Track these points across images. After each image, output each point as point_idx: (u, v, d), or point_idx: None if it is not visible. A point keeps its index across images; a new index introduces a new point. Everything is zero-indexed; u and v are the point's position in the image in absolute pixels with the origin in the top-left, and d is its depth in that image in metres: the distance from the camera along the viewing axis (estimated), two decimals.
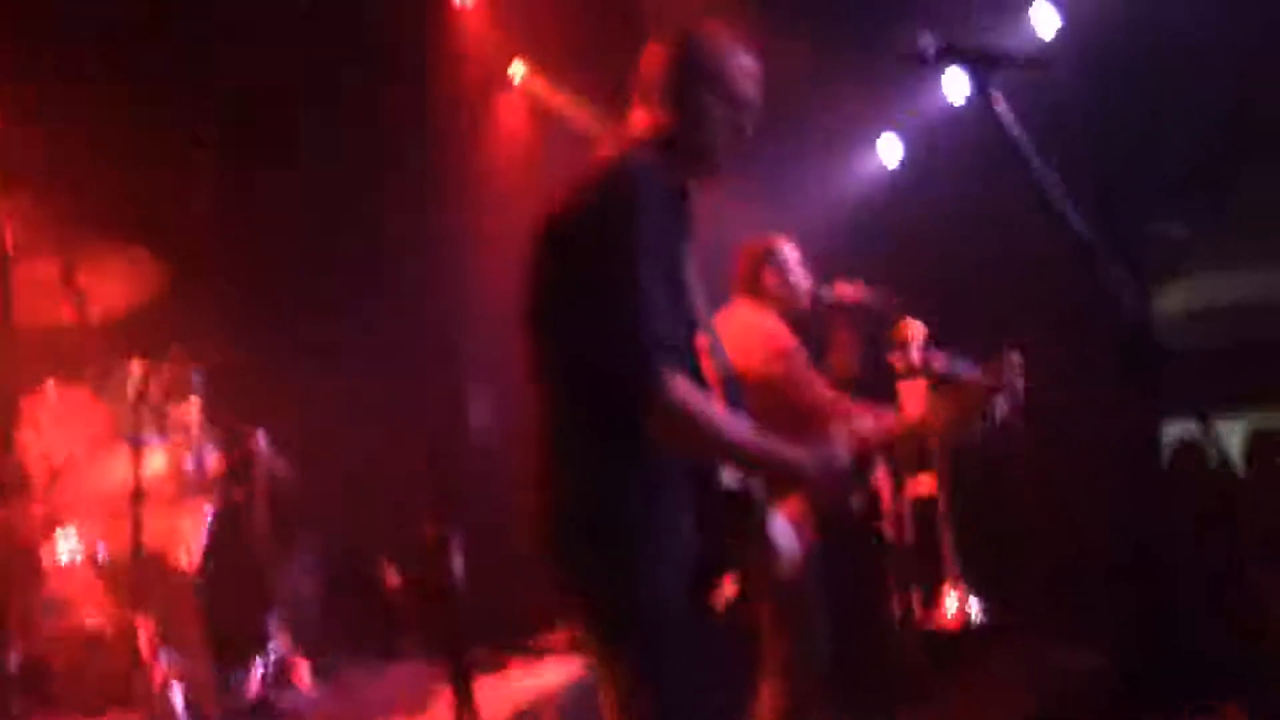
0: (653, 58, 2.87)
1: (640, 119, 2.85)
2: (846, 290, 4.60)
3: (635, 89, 2.88)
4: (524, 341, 2.70)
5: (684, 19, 2.97)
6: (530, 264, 2.70)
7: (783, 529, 2.77)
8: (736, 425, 2.67)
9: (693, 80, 2.82)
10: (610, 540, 2.57)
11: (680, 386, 2.51)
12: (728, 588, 2.77)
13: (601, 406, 2.56)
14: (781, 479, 2.77)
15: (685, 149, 2.81)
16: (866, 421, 4.13)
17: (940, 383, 4.17)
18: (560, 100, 7.54)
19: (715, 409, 2.64)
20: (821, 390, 4.56)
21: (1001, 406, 2.83)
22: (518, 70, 7.65)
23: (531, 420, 2.68)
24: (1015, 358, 2.96)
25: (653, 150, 2.77)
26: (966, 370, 4.45)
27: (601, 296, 2.56)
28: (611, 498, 2.57)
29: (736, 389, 2.84)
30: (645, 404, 2.49)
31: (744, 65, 2.87)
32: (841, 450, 2.70)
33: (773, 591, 4.04)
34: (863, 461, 2.80)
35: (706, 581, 2.69)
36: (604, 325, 2.54)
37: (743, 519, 2.72)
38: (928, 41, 2.53)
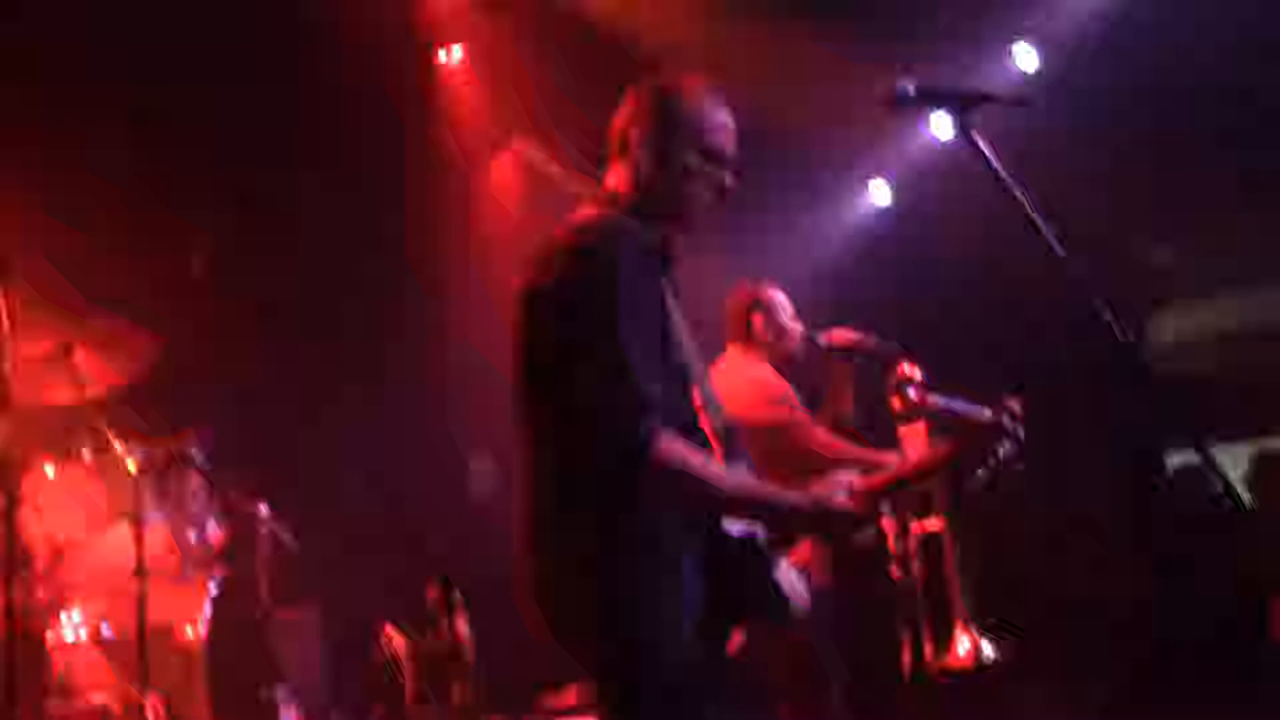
0: (626, 112, 2.83)
1: (617, 176, 2.82)
2: (841, 335, 4.61)
3: (610, 144, 2.84)
4: (514, 404, 2.69)
5: (670, 70, 2.94)
6: (514, 329, 2.69)
7: (789, 576, 2.74)
8: (731, 477, 2.64)
9: (667, 135, 2.77)
10: (609, 601, 2.53)
11: (668, 446, 2.49)
12: (737, 639, 2.74)
13: (592, 466, 2.53)
14: (784, 525, 2.73)
15: (663, 204, 2.77)
16: (870, 463, 4.12)
17: (940, 423, 4.17)
18: (551, 158, 7.58)
19: (707, 463, 2.60)
20: (822, 434, 4.56)
21: (1006, 448, 2.81)
22: (509, 130, 7.70)
23: (519, 482, 2.66)
24: (1015, 404, 2.95)
25: (630, 208, 2.75)
26: (965, 409, 4.45)
27: (585, 360, 2.53)
28: (606, 557, 2.53)
29: (735, 440, 2.81)
30: (635, 465, 2.47)
31: (719, 119, 2.81)
32: (841, 492, 2.67)
33: (782, 640, 4.02)
34: (869, 503, 2.77)
35: (715, 634, 2.66)
36: (589, 389, 2.52)
37: (748, 567, 2.68)
38: (906, 85, 2.56)
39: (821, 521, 2.68)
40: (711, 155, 2.78)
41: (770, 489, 2.67)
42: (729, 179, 2.81)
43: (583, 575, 2.55)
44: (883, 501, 2.71)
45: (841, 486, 2.68)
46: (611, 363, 2.50)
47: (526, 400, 2.66)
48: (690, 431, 2.63)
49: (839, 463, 4.09)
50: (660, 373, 2.56)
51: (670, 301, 2.70)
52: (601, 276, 2.57)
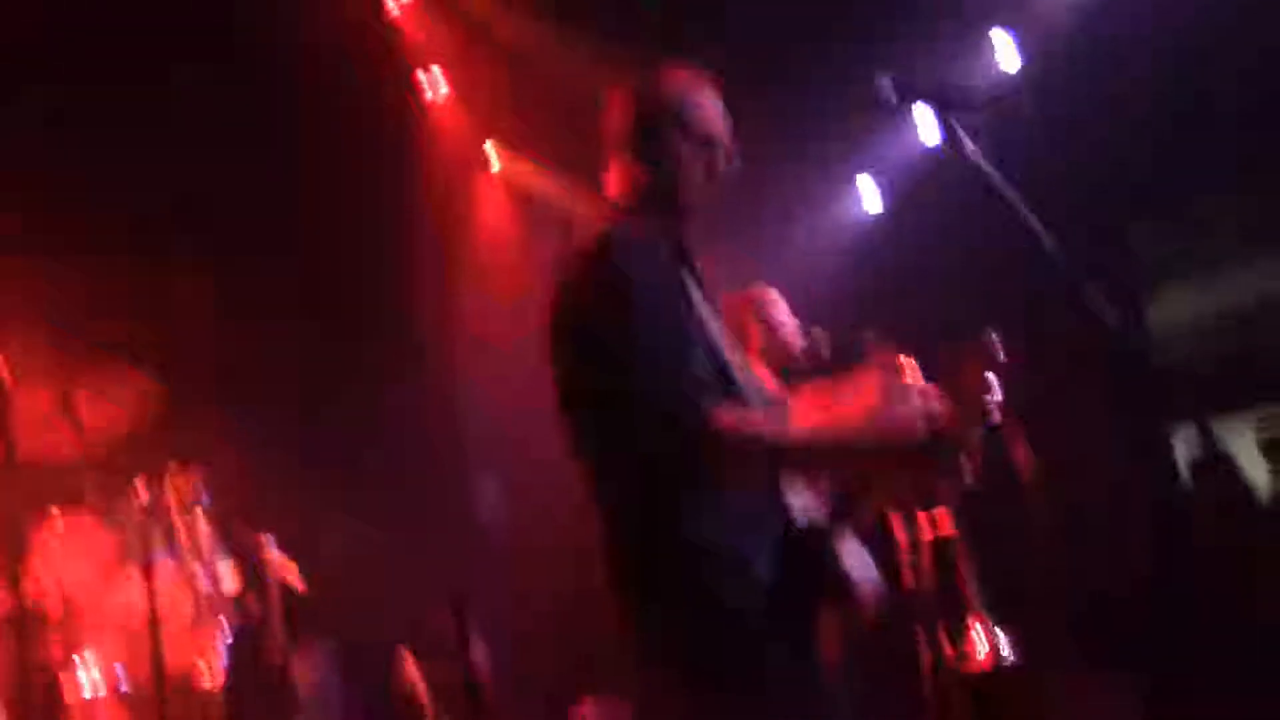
0: (610, 114, 2.79)
1: (614, 179, 2.77)
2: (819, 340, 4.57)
3: (605, 147, 2.80)
4: (563, 428, 2.62)
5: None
6: (547, 359, 2.64)
7: (858, 557, 2.67)
8: (795, 421, 2.50)
9: (656, 126, 2.72)
10: (687, 610, 2.48)
11: (725, 414, 2.41)
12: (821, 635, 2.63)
13: (650, 478, 2.48)
14: (888, 460, 2.52)
15: (661, 199, 2.72)
16: None
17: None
18: (539, 181, 7.60)
19: (771, 418, 2.51)
20: None
21: (993, 401, 2.69)
22: (493, 156, 7.72)
23: (594, 518, 2.60)
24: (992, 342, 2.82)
25: (634, 210, 2.71)
26: None
27: (621, 378, 2.47)
28: (688, 584, 2.48)
29: None
30: (702, 444, 2.40)
31: (707, 102, 2.77)
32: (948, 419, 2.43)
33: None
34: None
35: (798, 632, 2.56)
36: (632, 404, 2.45)
37: (814, 559, 2.58)
38: (887, 85, 2.55)
39: (921, 454, 2.44)
40: (701, 140, 2.73)
41: (853, 426, 2.46)
42: (723, 160, 2.76)
43: (664, 593, 2.50)
44: (985, 413, 2.45)
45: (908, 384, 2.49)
46: (646, 372, 2.45)
47: (574, 434, 2.62)
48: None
49: None
50: (701, 365, 2.51)
51: (694, 293, 2.65)
52: (614, 295, 2.51)
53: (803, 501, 2.64)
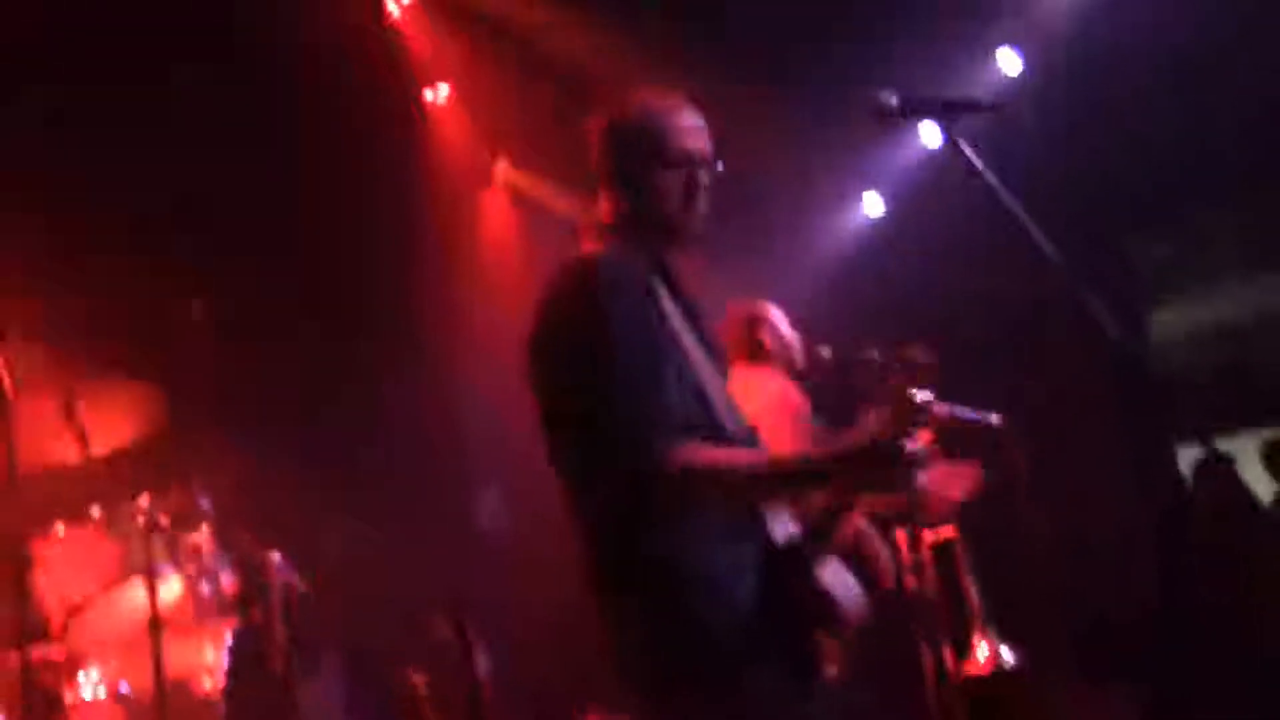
0: (591, 144, 2.83)
1: (602, 206, 2.82)
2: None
3: (594, 173, 2.85)
4: (544, 444, 2.69)
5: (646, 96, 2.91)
6: (526, 375, 2.70)
7: (840, 577, 2.69)
8: (749, 455, 2.60)
9: (631, 154, 2.76)
10: (665, 632, 2.52)
11: (682, 453, 2.47)
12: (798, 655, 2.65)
13: (622, 500, 2.53)
14: (823, 485, 2.62)
15: (646, 225, 2.76)
16: None
17: (945, 430, 4.17)
18: (542, 190, 7.61)
19: (724, 452, 2.56)
20: None
21: (1007, 440, 2.74)
22: (498, 166, 7.73)
23: (572, 530, 2.66)
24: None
25: (618, 233, 2.76)
26: (969, 416, 4.46)
27: (590, 400, 2.54)
28: (656, 592, 2.54)
29: (758, 445, 2.77)
30: (657, 482, 2.47)
31: (682, 121, 2.78)
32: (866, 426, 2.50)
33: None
34: (903, 414, 2.61)
35: (775, 652, 2.58)
36: (600, 427, 2.53)
37: (794, 578, 2.61)
38: (890, 97, 2.57)
39: (864, 462, 2.49)
40: (677, 162, 2.75)
41: (794, 455, 2.63)
42: (705, 176, 2.77)
43: (639, 613, 2.55)
44: (917, 417, 2.49)
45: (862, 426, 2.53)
46: (613, 396, 2.51)
47: (552, 449, 2.68)
48: (713, 441, 2.59)
49: None
50: (673, 388, 2.56)
51: (674, 316, 2.68)
52: (590, 309, 2.58)
53: (782, 521, 2.67)
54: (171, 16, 6.07)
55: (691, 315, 2.77)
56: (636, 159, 2.76)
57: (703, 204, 2.78)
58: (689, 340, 2.70)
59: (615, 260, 2.68)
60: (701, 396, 2.65)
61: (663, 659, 2.53)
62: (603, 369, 2.53)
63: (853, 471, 2.52)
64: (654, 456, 2.46)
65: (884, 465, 2.47)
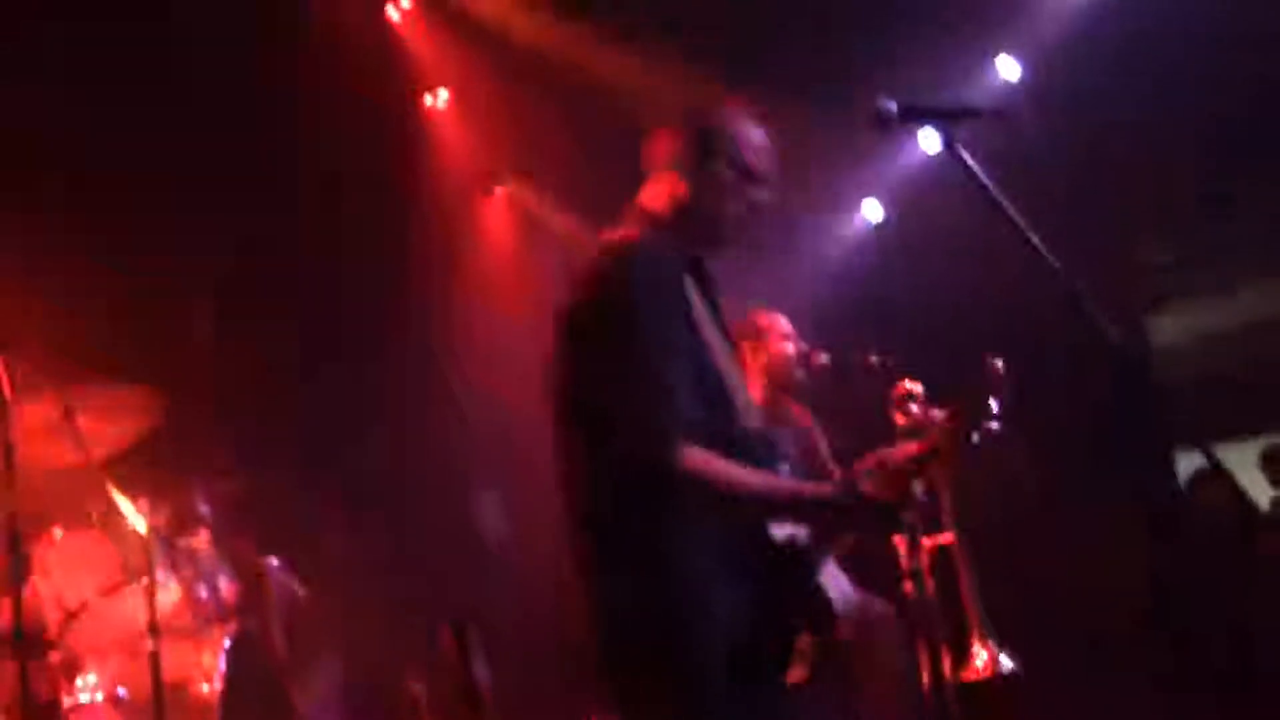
0: (664, 136, 2.92)
1: (652, 193, 2.89)
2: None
3: (647, 162, 2.93)
4: (555, 432, 2.73)
5: (663, 113, 3.02)
6: (554, 357, 2.74)
7: (835, 579, 2.73)
8: (754, 476, 2.63)
9: (706, 151, 2.85)
10: (649, 618, 2.55)
11: (690, 457, 2.51)
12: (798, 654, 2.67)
13: (623, 482, 2.56)
14: (822, 521, 2.70)
15: (699, 222, 2.84)
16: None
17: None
18: (541, 201, 7.61)
19: (730, 467, 2.59)
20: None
21: (989, 415, 2.75)
22: (498, 176, 7.73)
23: (563, 497, 2.70)
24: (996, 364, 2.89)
25: (665, 226, 2.81)
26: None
27: (609, 382, 2.59)
28: (643, 574, 2.57)
29: (779, 443, 2.83)
30: (660, 480, 2.50)
31: (756, 139, 2.90)
32: (867, 474, 2.63)
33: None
34: (899, 481, 2.68)
35: (762, 648, 2.62)
36: (614, 410, 2.57)
37: (789, 575, 2.66)
38: (888, 104, 2.58)
39: (852, 512, 2.62)
40: (747, 173, 2.85)
41: (795, 485, 2.67)
42: (764, 195, 2.87)
43: (626, 595, 2.58)
44: (913, 478, 2.61)
45: (868, 466, 2.65)
46: (634, 382, 2.56)
47: (562, 420, 2.71)
48: (729, 440, 2.64)
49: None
50: (692, 386, 2.59)
51: (703, 315, 2.73)
52: (623, 299, 2.62)
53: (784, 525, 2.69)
54: (171, 24, 6.09)
55: (718, 316, 2.84)
56: (712, 155, 2.84)
57: (755, 220, 2.87)
58: (715, 340, 2.75)
59: (654, 253, 2.72)
60: (724, 397, 2.70)
61: (640, 642, 2.57)
62: (626, 357, 2.58)
63: (851, 522, 2.66)
64: (664, 454, 2.50)
65: (884, 524, 2.67)
